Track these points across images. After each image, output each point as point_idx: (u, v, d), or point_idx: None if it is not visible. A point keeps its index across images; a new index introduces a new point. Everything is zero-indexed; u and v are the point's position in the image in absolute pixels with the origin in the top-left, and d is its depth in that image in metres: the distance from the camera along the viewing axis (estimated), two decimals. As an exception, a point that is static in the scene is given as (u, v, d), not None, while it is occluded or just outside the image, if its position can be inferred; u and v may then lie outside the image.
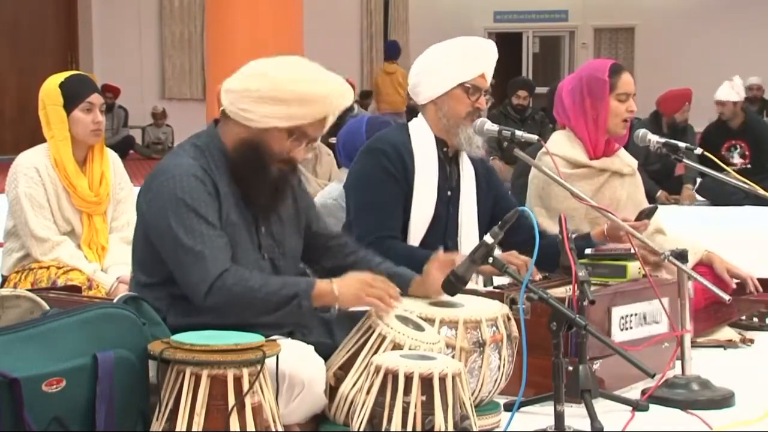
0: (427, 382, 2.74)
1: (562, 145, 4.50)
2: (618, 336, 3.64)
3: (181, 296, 3.02)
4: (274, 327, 3.04)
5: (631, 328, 3.73)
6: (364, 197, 3.90)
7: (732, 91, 10.21)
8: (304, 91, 3.03)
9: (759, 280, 4.97)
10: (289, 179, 3.18)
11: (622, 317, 3.70)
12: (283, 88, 3.02)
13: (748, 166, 10.23)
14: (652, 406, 3.50)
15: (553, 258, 3.53)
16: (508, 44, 23.54)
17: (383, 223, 3.81)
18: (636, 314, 3.76)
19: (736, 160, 10.36)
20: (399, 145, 3.93)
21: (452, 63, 3.89)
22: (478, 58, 3.92)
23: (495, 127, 3.91)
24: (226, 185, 3.09)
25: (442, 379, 2.74)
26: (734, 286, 4.35)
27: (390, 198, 3.88)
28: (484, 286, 4.05)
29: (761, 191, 4.28)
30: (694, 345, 3.99)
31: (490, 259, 3.13)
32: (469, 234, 3.99)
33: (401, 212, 3.90)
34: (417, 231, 3.92)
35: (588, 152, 4.49)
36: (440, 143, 3.97)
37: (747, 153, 10.34)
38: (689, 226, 7.92)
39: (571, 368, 3.26)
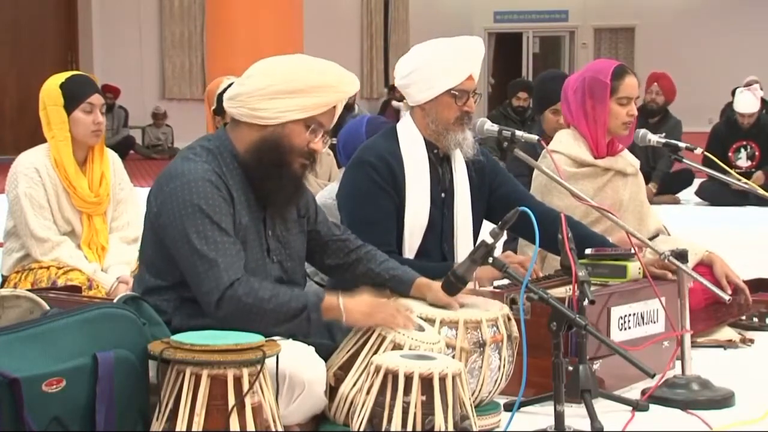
0: (427, 382, 2.73)
1: (567, 143, 4.51)
2: (617, 336, 3.64)
3: (189, 299, 3.02)
4: (279, 334, 3.03)
5: (629, 328, 3.73)
6: (357, 213, 3.85)
7: (756, 101, 10.20)
8: (316, 80, 3.05)
9: (759, 280, 4.98)
10: (306, 174, 3.18)
11: (621, 317, 3.70)
12: (295, 79, 3.04)
13: (754, 169, 10.22)
14: (652, 406, 3.50)
15: (554, 237, 3.50)
16: (508, 44, 23.61)
17: (379, 239, 3.71)
18: (634, 314, 3.76)
19: (743, 162, 10.34)
20: (387, 154, 3.88)
21: (437, 70, 3.81)
22: (464, 61, 3.84)
23: (495, 127, 3.90)
24: (238, 189, 3.08)
25: (442, 379, 2.74)
26: (730, 292, 4.34)
27: (383, 212, 3.84)
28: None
29: (761, 191, 4.27)
30: (694, 345, 3.99)
31: (490, 259, 3.13)
32: (465, 235, 3.97)
33: (395, 225, 3.87)
34: (413, 239, 3.89)
35: (592, 151, 4.49)
36: (430, 145, 3.93)
37: (756, 153, 10.33)
38: (689, 227, 7.94)
39: (571, 368, 3.26)
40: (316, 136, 3.11)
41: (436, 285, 3.27)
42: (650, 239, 4.15)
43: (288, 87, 3.03)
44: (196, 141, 3.18)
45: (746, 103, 10.14)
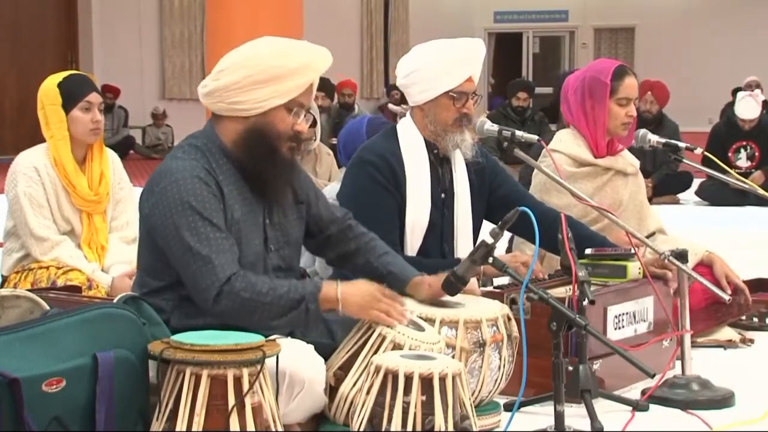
0: (427, 382, 2.73)
1: (567, 143, 4.51)
2: (612, 335, 3.64)
3: (188, 297, 3.02)
4: (277, 327, 3.03)
5: (623, 327, 3.74)
6: (359, 212, 3.83)
7: (758, 107, 10.21)
8: (290, 63, 3.04)
9: (759, 280, 4.98)
10: (296, 157, 3.18)
11: (616, 316, 3.70)
12: (270, 67, 3.03)
13: (754, 170, 10.22)
14: (652, 406, 3.50)
15: (554, 237, 3.50)
16: (508, 44, 23.63)
17: (382, 237, 3.68)
18: (627, 313, 3.76)
19: (743, 162, 10.34)
20: (387, 154, 3.89)
21: (436, 71, 3.81)
22: (463, 63, 3.83)
23: (495, 127, 3.90)
24: (230, 183, 3.08)
25: (442, 379, 2.74)
26: (730, 292, 4.34)
27: (385, 211, 3.85)
28: (484, 285, 4.04)
29: (761, 191, 4.27)
30: (694, 345, 3.99)
31: (490, 259, 3.13)
32: (465, 235, 3.97)
33: (397, 223, 3.87)
34: (414, 239, 3.89)
35: (592, 150, 4.49)
36: (430, 146, 3.93)
37: (756, 154, 10.33)
38: (689, 227, 7.94)
39: (571, 368, 3.26)
40: (299, 117, 3.11)
41: (431, 278, 3.27)
42: (647, 238, 4.15)
43: (264, 76, 3.03)
44: (184, 139, 3.18)
45: (748, 110, 10.16)
